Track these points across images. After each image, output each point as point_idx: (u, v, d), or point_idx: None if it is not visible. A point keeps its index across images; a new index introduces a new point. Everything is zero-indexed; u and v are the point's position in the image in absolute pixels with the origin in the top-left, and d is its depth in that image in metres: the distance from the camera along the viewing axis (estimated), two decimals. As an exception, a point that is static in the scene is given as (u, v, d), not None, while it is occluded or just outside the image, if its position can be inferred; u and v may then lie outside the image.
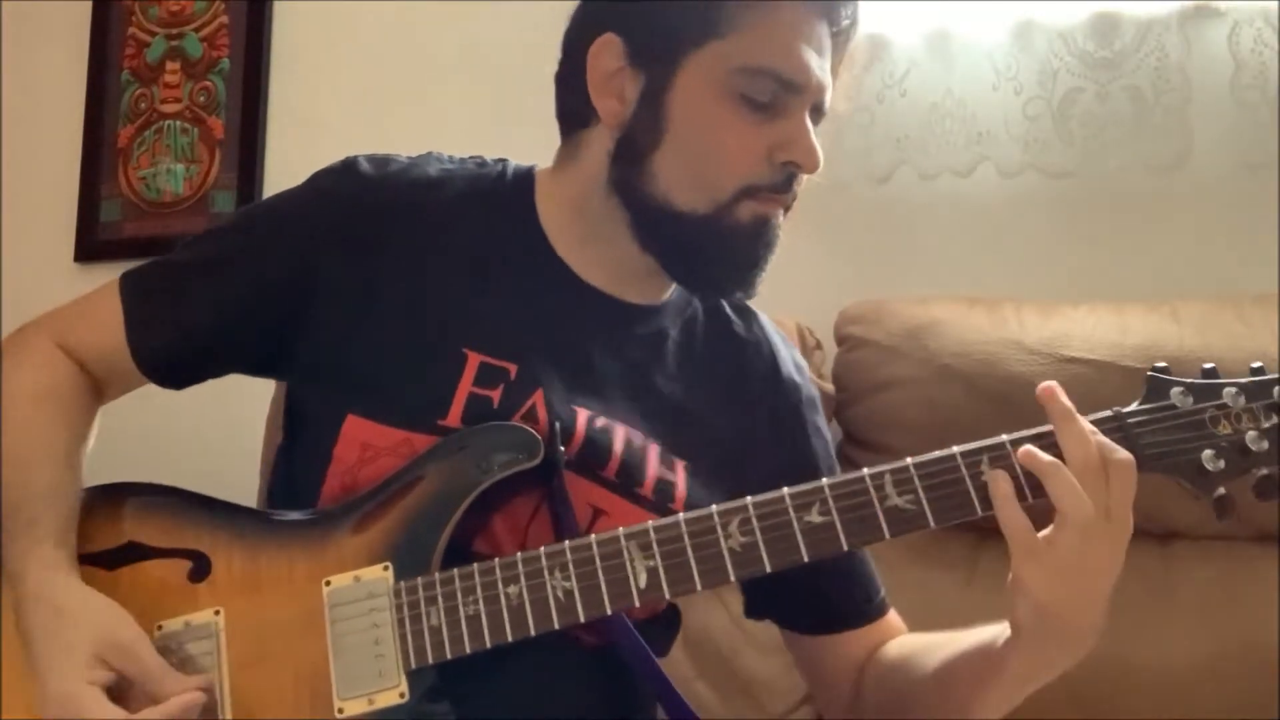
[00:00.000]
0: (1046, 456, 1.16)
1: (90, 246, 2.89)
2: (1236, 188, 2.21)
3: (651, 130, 1.35)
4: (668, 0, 1.35)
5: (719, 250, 1.35)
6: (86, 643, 1.20)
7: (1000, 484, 1.17)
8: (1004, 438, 1.19)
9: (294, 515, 1.33)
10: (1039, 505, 1.16)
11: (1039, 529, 1.16)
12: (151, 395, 1.49)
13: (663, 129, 1.34)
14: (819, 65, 1.33)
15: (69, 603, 1.23)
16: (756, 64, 1.31)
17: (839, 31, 1.37)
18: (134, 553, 1.31)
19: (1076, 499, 1.13)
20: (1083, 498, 1.13)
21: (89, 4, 2.98)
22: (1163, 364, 1.24)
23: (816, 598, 1.48)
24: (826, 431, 1.56)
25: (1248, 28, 2.16)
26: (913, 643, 1.47)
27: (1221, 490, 1.19)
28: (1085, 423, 1.18)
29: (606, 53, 1.36)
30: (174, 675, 1.21)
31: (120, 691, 1.20)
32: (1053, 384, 1.19)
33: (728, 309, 1.53)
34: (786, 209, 1.37)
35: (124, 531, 1.33)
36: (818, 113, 1.36)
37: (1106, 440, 1.17)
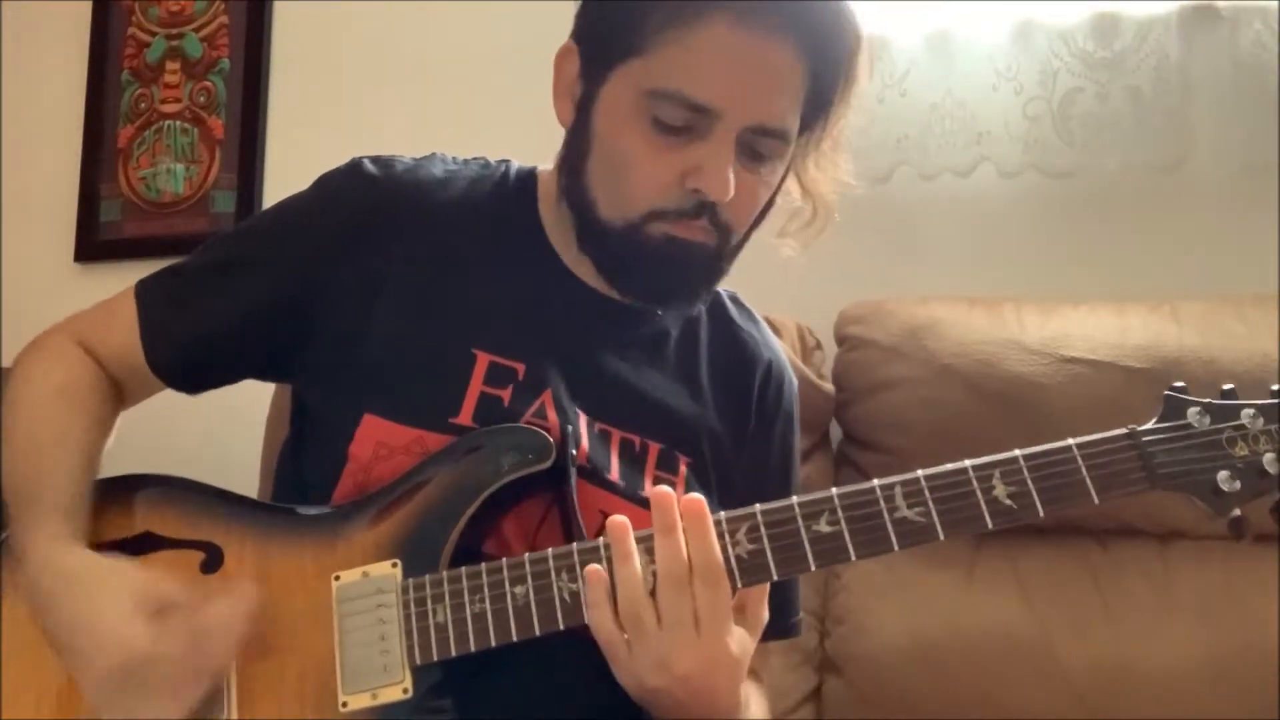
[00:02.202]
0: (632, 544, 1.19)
1: (90, 246, 2.88)
2: (1236, 188, 2.21)
3: (583, 140, 1.35)
4: (604, 13, 1.34)
5: (635, 264, 1.34)
6: (122, 588, 1.20)
7: (592, 588, 1.19)
8: (1017, 453, 1.19)
9: (306, 510, 1.33)
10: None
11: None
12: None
13: (589, 141, 1.35)
14: (753, 88, 1.28)
15: (83, 563, 1.24)
16: (665, 87, 1.27)
17: (811, 49, 1.32)
18: (148, 543, 1.32)
19: (626, 592, 1.17)
20: (633, 592, 1.17)
21: (89, 4, 2.98)
22: (1180, 384, 1.23)
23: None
24: (798, 449, 1.58)
25: (1248, 28, 2.16)
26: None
27: (1237, 511, 1.18)
28: (705, 520, 1.19)
29: (567, 60, 1.38)
30: (219, 599, 1.21)
31: (164, 628, 1.19)
32: (666, 492, 1.20)
33: (729, 309, 1.54)
34: (725, 233, 1.33)
35: (139, 522, 1.33)
36: (767, 135, 1.31)
37: (701, 546, 1.18)
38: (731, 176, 1.28)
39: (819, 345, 2.25)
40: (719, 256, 1.35)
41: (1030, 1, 2.27)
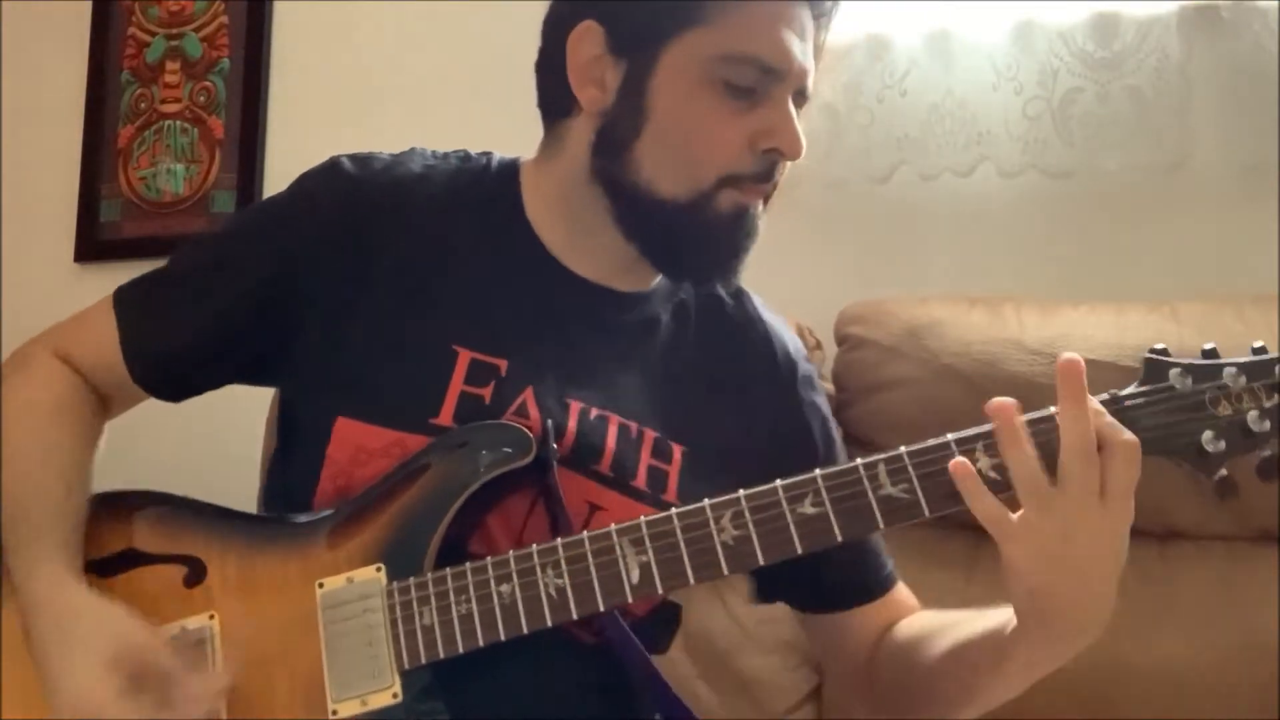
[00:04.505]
0: (1016, 421, 1.14)
1: (90, 246, 2.89)
2: (1236, 188, 2.21)
3: (633, 118, 1.35)
4: None
5: (700, 239, 1.35)
6: (101, 647, 1.20)
7: (965, 468, 1.14)
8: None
9: (288, 519, 1.33)
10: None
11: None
12: (150, 401, 1.49)
13: (644, 117, 1.34)
14: (801, 50, 1.33)
15: (78, 609, 1.23)
16: (739, 51, 1.30)
17: (821, 14, 1.38)
18: (131, 559, 1.32)
19: (1021, 464, 1.12)
20: (1029, 463, 1.12)
21: (89, 4, 2.98)
22: (1161, 345, 1.22)
23: (825, 575, 1.46)
24: (825, 408, 1.55)
25: (1247, 28, 2.15)
26: (924, 622, 1.45)
27: (1223, 472, 1.17)
28: (1094, 403, 1.15)
29: (587, 40, 1.37)
30: (196, 674, 1.21)
31: (131, 695, 1.19)
32: (1077, 360, 1.14)
33: (719, 290, 1.53)
34: (766, 199, 1.37)
35: (121, 538, 1.33)
36: (801, 97, 1.36)
37: (1114, 421, 1.14)
38: (801, 135, 1.33)
39: (819, 345, 2.25)
40: (758, 222, 1.38)
41: (1030, 1, 2.26)
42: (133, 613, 1.24)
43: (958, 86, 2.29)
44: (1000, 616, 1.26)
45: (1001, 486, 1.15)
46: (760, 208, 1.36)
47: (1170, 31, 2.19)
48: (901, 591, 1.52)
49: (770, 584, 1.54)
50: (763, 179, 1.34)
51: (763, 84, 1.31)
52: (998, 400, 1.16)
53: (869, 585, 1.50)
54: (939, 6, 2.30)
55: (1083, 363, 1.14)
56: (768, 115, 1.32)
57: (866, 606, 1.50)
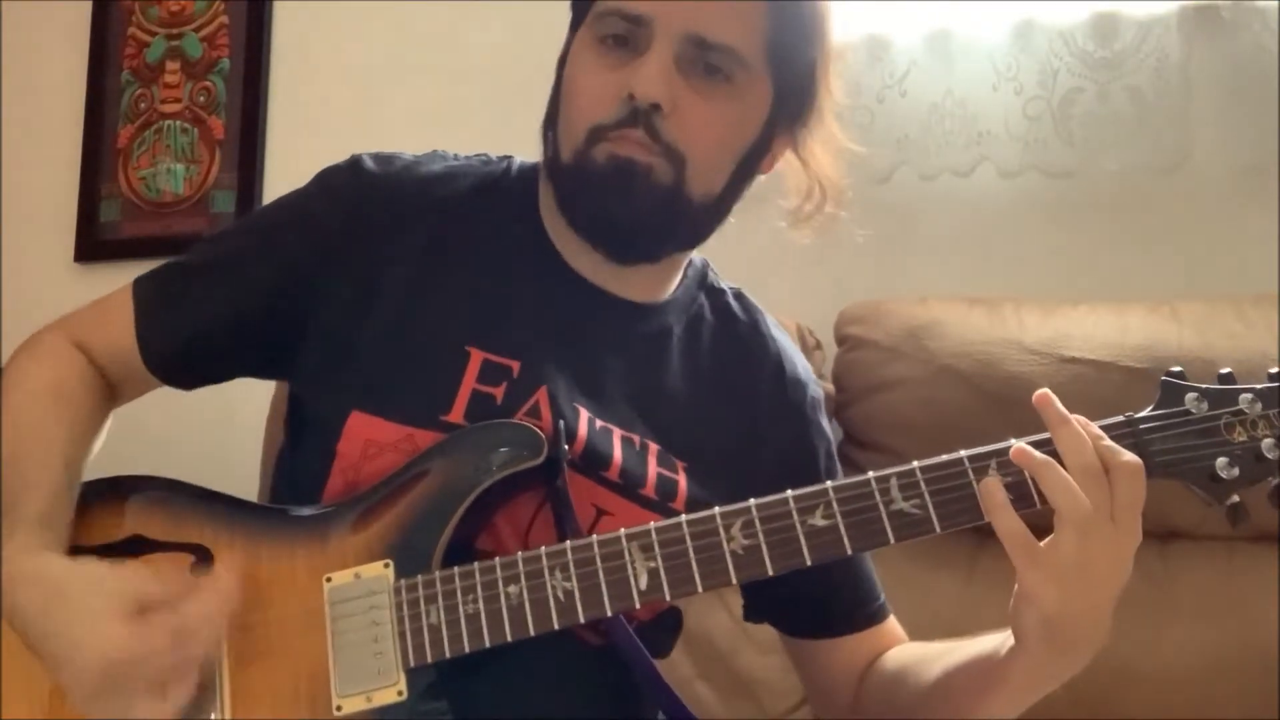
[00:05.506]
0: (1039, 454, 1.14)
1: (90, 246, 2.89)
2: (1236, 188, 2.21)
3: (554, 99, 1.39)
4: None
5: (586, 196, 1.34)
6: (98, 600, 1.16)
7: (995, 493, 1.14)
8: (1012, 442, 1.17)
9: (297, 511, 1.32)
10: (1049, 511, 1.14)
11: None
12: (153, 393, 1.49)
13: (559, 96, 1.38)
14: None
15: (63, 578, 1.20)
16: (602, 7, 1.33)
17: None
18: (137, 546, 1.30)
19: (1071, 496, 1.11)
20: (1078, 494, 1.11)
21: (89, 4, 2.99)
22: (1178, 369, 1.22)
23: (815, 601, 1.47)
24: (829, 432, 1.55)
25: (1247, 28, 2.16)
26: (913, 652, 1.45)
27: (1235, 498, 1.16)
28: (1092, 426, 1.15)
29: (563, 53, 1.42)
30: (196, 594, 1.18)
31: (144, 624, 1.16)
32: (1046, 391, 1.16)
33: (734, 307, 1.53)
34: (675, 157, 1.32)
35: (127, 524, 1.32)
36: (711, 50, 1.31)
37: (1112, 444, 1.14)
38: (661, 78, 1.29)
39: (819, 345, 2.25)
40: (676, 192, 1.33)
41: (1030, 1, 2.27)
42: (114, 563, 1.22)
43: (958, 86, 2.30)
44: (992, 642, 1.26)
45: (1015, 506, 1.15)
46: (651, 157, 1.31)
47: (1170, 31, 2.19)
48: (891, 624, 1.52)
49: (760, 604, 1.54)
50: (624, 124, 1.31)
51: (634, 34, 1.31)
52: (1043, 391, 1.16)
53: (858, 616, 1.50)
54: (939, 6, 2.31)
55: (1050, 392, 1.15)
56: (638, 64, 1.31)
57: (852, 636, 1.50)
